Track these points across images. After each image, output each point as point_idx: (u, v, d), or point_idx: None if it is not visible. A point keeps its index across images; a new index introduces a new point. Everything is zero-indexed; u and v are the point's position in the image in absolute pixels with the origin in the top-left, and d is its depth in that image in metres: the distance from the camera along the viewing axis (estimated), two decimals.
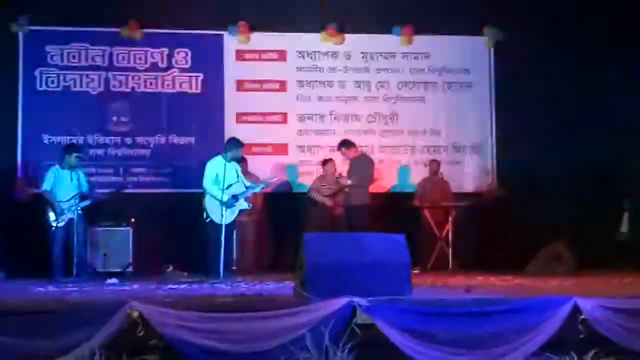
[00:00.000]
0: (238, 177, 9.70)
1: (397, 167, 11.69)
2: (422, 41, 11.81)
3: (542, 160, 11.45)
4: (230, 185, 9.53)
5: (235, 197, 9.54)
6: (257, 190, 10.00)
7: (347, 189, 10.57)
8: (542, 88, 11.45)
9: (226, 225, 9.38)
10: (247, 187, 9.70)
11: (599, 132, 11.26)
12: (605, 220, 11.11)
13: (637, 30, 11.18)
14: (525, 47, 11.45)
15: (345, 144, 10.70)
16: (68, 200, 9.52)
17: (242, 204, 9.70)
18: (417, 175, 11.60)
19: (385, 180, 11.49)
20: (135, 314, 5.80)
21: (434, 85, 11.87)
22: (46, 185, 9.62)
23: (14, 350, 5.63)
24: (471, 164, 11.86)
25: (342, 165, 11.08)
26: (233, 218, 9.60)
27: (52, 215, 9.47)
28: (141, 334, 5.78)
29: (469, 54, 11.92)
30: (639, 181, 11.06)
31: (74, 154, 9.74)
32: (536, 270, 9.96)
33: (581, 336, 6.03)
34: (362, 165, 10.62)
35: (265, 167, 11.14)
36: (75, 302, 6.52)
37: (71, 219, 9.49)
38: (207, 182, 9.58)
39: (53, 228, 9.46)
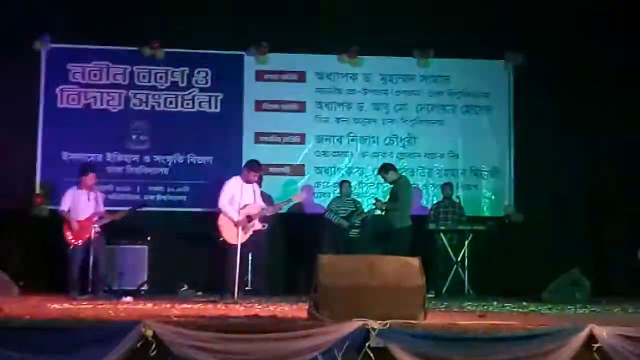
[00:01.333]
0: (255, 198, 9.69)
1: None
2: (442, 64, 11.81)
3: (559, 185, 11.40)
4: (246, 205, 9.52)
5: (249, 218, 9.53)
6: (273, 211, 10.02)
7: (382, 213, 10.59)
8: (561, 112, 11.42)
9: (241, 245, 9.36)
10: (262, 208, 9.70)
11: (618, 158, 11.22)
12: (622, 247, 10.99)
13: None
14: (544, 71, 11.45)
15: (385, 168, 10.62)
16: (85, 220, 9.58)
17: (257, 225, 9.69)
18: (432, 198, 11.59)
19: None
20: (149, 332, 5.77)
21: (453, 108, 11.85)
22: (63, 206, 9.69)
23: None
24: (489, 188, 11.82)
25: (358, 187, 11.15)
26: (247, 238, 9.57)
27: (69, 234, 9.54)
28: (154, 353, 5.77)
29: (488, 77, 11.90)
30: None
31: (91, 175, 9.78)
32: (552, 296, 9.88)
33: None
34: (402, 188, 10.52)
35: (280, 188, 11.17)
36: (89, 320, 6.52)
37: (89, 237, 9.53)
38: (223, 201, 9.59)
39: (71, 246, 9.53)
